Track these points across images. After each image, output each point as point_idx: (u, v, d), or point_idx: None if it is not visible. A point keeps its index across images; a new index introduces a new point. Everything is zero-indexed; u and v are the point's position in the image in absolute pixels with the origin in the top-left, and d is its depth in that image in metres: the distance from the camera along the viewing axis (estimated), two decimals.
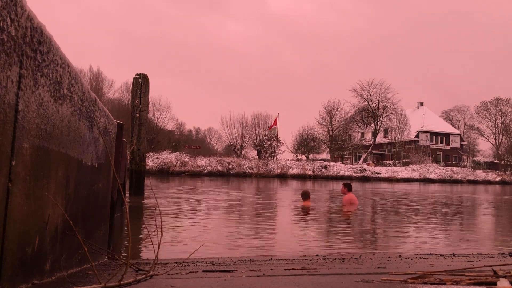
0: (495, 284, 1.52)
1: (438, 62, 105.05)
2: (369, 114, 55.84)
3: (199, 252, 2.81)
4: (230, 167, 32.82)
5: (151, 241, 2.24)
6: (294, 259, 3.01)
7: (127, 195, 9.96)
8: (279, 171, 33.90)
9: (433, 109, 65.66)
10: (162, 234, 2.13)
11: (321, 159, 46.74)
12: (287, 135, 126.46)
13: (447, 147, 59.97)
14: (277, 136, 47.19)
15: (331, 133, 53.83)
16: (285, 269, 2.25)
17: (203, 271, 2.24)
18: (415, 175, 36.50)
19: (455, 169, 40.68)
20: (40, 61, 1.38)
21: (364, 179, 34.33)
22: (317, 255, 3.34)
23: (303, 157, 50.73)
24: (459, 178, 37.26)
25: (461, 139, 61.84)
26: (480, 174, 39.94)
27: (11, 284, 1.25)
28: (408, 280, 1.66)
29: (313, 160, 44.43)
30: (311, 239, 5.21)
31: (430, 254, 3.41)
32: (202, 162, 32.66)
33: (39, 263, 1.48)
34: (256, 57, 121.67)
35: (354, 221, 7.37)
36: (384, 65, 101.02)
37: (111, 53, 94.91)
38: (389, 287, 1.57)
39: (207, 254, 3.48)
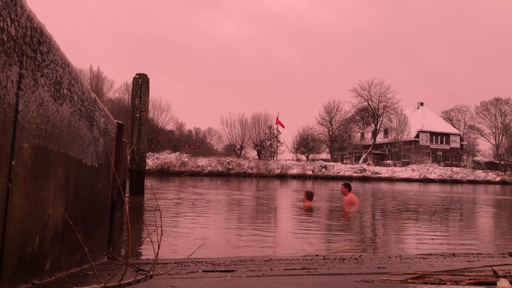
0: (495, 284, 1.52)
1: (438, 62, 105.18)
2: (369, 114, 55.85)
3: (199, 252, 2.81)
4: (230, 167, 32.82)
5: (151, 241, 2.24)
6: (294, 259, 3.01)
7: (127, 195, 9.96)
8: (279, 171, 33.91)
9: (433, 109, 65.79)
10: (162, 234, 2.13)
11: (321, 159, 46.74)
12: (287, 135, 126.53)
13: (447, 147, 59.98)
14: (277, 136, 47.21)
15: (331, 133, 53.85)
16: (285, 269, 2.25)
17: (203, 271, 2.24)
18: (415, 175, 36.50)
19: (455, 169, 40.69)
20: (40, 61, 1.38)
21: (364, 179, 34.33)
22: (317, 255, 3.34)
23: (303, 157, 50.74)
24: (459, 178, 37.26)
25: (461, 139, 61.86)
26: (480, 174, 39.94)
27: (11, 284, 1.25)
28: (408, 280, 1.66)
29: (313, 160, 44.43)
30: (311, 239, 5.21)
31: (430, 254, 3.41)
32: (202, 162, 32.67)
33: (39, 263, 1.48)
34: (256, 57, 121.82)
35: (354, 221, 7.37)
36: (384, 65, 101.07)
37: (111, 53, 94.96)
38: (389, 287, 1.57)
39: (207, 254, 3.48)
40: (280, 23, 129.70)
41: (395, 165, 44.51)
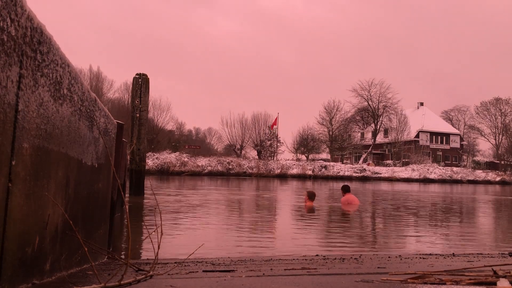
0: (495, 284, 1.52)
1: (438, 62, 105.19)
2: (369, 114, 55.87)
3: (199, 252, 2.81)
4: (230, 167, 32.84)
5: (151, 241, 2.24)
6: (294, 259, 3.01)
7: (127, 195, 9.96)
8: (279, 171, 33.92)
9: (433, 109, 65.82)
10: (162, 234, 2.13)
11: (321, 159, 46.76)
12: (287, 135, 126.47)
13: (447, 147, 59.98)
14: (277, 136, 47.23)
15: (331, 133, 53.86)
16: (285, 269, 2.25)
17: (203, 271, 2.24)
18: (415, 175, 36.51)
19: (455, 169, 40.69)
20: (40, 61, 1.38)
21: (364, 179, 34.35)
22: (317, 255, 3.34)
23: (303, 157, 50.75)
24: (459, 178, 37.27)
25: (461, 139, 61.86)
26: (480, 174, 39.94)
27: (11, 284, 1.25)
28: (408, 280, 1.66)
29: (313, 160, 44.46)
30: (311, 239, 5.21)
31: (430, 254, 3.41)
32: (202, 162, 32.69)
33: (39, 263, 1.48)
34: (257, 57, 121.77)
35: (354, 221, 7.37)
36: (384, 65, 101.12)
37: (111, 53, 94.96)
38: (389, 287, 1.57)
39: (207, 254, 3.47)
40: (280, 22, 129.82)
41: (395, 165, 44.51)
